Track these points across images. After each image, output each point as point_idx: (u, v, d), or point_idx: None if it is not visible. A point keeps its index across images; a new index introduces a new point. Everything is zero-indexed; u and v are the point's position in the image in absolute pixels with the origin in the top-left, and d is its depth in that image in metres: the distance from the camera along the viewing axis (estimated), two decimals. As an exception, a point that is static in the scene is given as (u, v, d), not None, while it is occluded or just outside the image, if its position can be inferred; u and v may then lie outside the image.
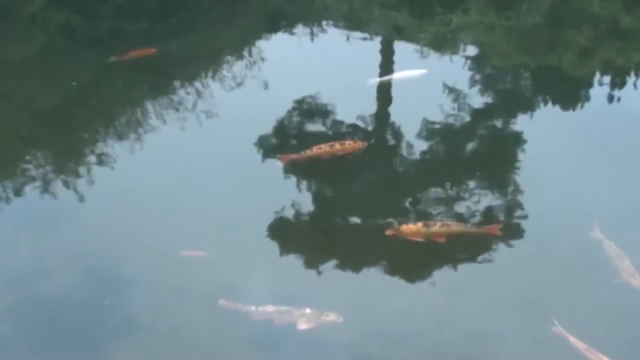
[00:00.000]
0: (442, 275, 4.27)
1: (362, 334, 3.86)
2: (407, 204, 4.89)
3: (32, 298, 4.07)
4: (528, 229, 4.56)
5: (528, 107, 6.20)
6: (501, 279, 4.20)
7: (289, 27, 7.85)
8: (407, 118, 5.82)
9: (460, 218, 4.61)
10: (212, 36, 7.66)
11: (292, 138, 5.70)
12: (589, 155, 5.28)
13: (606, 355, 3.61)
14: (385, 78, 6.43)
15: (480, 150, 5.57)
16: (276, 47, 7.35)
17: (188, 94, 6.36)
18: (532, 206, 4.76)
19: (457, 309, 4.01)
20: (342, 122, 5.80)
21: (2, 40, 7.21)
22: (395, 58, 7.04)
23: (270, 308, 3.86)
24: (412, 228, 4.35)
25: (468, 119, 5.92)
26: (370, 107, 6.08)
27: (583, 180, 5.04)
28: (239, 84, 6.55)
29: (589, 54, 7.15)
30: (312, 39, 7.56)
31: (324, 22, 7.90)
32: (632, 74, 6.82)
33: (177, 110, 6.08)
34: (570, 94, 6.47)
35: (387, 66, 6.82)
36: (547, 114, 6.07)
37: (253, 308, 3.88)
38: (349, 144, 5.19)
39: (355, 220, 4.77)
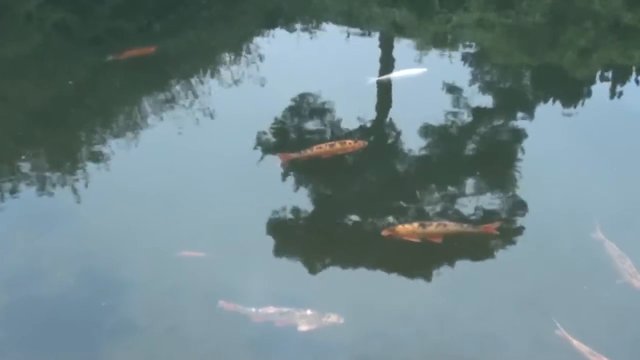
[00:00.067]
0: (444, 275, 4.25)
1: (364, 335, 3.84)
2: (407, 204, 4.86)
3: (28, 299, 4.04)
4: (529, 230, 4.54)
5: (528, 106, 6.19)
6: (502, 280, 4.19)
7: (287, 25, 7.83)
8: (407, 117, 5.80)
9: (460, 218, 4.59)
10: (210, 35, 7.63)
11: (291, 137, 5.67)
12: (589, 155, 5.26)
13: (609, 358, 3.58)
14: (385, 77, 6.41)
15: (480, 150, 5.55)
16: (275, 45, 7.33)
17: (186, 93, 6.33)
18: (532, 206, 4.74)
19: (459, 310, 3.99)
20: (341, 121, 5.78)
21: (-2, 39, 7.18)
22: (394, 56, 7.02)
23: (271, 309, 3.84)
24: (407, 228, 4.33)
25: (468, 118, 5.90)
26: (370, 106, 6.06)
27: (584, 180, 5.03)
28: (238, 83, 6.53)
29: (590, 52, 7.15)
30: (311, 38, 7.54)
31: (322, 21, 7.87)
32: (633, 72, 6.80)
33: (175, 109, 6.04)
34: (571, 93, 6.45)
35: (386, 65, 6.80)
36: (548, 113, 6.05)
37: (253, 310, 3.85)
38: (349, 143, 5.17)
39: (356, 220, 4.73)
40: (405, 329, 3.85)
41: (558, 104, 6.22)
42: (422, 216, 4.61)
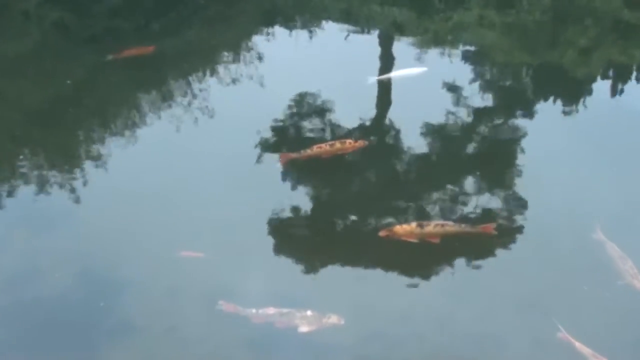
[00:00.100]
0: (444, 276, 4.24)
1: (365, 336, 3.81)
2: (407, 204, 4.84)
3: (26, 299, 4.01)
4: (529, 230, 4.52)
5: (529, 105, 6.18)
6: (503, 281, 4.17)
7: (286, 25, 7.82)
8: (407, 116, 5.79)
9: (460, 217, 4.57)
10: (209, 34, 7.60)
11: (291, 137, 5.65)
12: (590, 154, 5.25)
13: (611, 359, 3.57)
14: (385, 76, 6.39)
15: (480, 149, 5.54)
16: (274, 45, 7.32)
17: (185, 92, 6.30)
18: (533, 206, 4.72)
19: (460, 311, 3.97)
20: (341, 121, 5.75)
21: (-5, 38, 7.15)
22: (394, 56, 7.00)
23: (271, 310, 3.82)
24: (405, 229, 4.31)
25: (468, 117, 5.89)
26: (370, 105, 6.05)
27: (584, 180, 5.01)
28: (237, 83, 6.51)
29: (590, 51, 7.14)
30: (310, 37, 7.52)
31: (322, 20, 7.85)
32: (634, 71, 6.79)
33: (174, 109, 6.02)
34: (572, 92, 6.45)
35: (386, 64, 6.78)
36: (548, 112, 6.04)
37: (253, 310, 3.83)
38: (349, 143, 5.15)
39: (356, 220, 4.71)
40: (406, 330, 3.84)
41: (558, 103, 6.21)
42: (422, 216, 4.59)
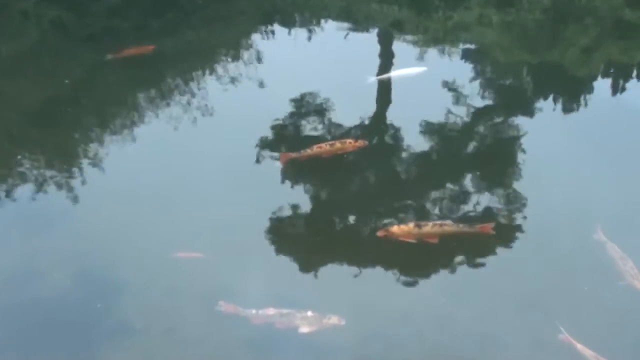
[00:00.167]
0: (445, 276, 4.22)
1: (365, 336, 3.80)
2: (407, 204, 4.83)
3: (23, 300, 3.99)
4: (529, 230, 4.50)
5: (529, 104, 6.16)
6: (503, 281, 4.15)
7: (286, 24, 7.80)
8: (407, 116, 5.77)
9: (459, 217, 4.55)
10: (208, 34, 7.59)
11: (291, 137, 5.63)
12: (591, 154, 5.23)
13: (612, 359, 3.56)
14: (385, 76, 6.37)
15: (480, 149, 5.53)
16: (274, 44, 7.32)
17: (184, 92, 6.28)
18: (533, 206, 4.70)
19: (461, 311, 3.95)
20: (341, 121, 5.74)
21: (-7, 37, 7.13)
22: (394, 55, 6.98)
23: (271, 311, 3.80)
24: (403, 229, 4.28)
25: (468, 117, 5.87)
26: (370, 105, 6.03)
27: (585, 180, 4.99)
28: (236, 82, 6.49)
29: (591, 50, 7.12)
30: (309, 37, 7.52)
31: (321, 19, 7.83)
32: (635, 71, 6.78)
33: (173, 108, 6.00)
34: (572, 91, 6.43)
35: (386, 63, 6.76)
36: (549, 111, 6.03)
37: (253, 311, 3.81)
38: (349, 143, 5.13)
39: (356, 220, 4.70)
40: (407, 330, 3.82)
41: (559, 102, 6.19)
42: (422, 215, 4.57)
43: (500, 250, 4.37)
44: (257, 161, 5.21)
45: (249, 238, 4.41)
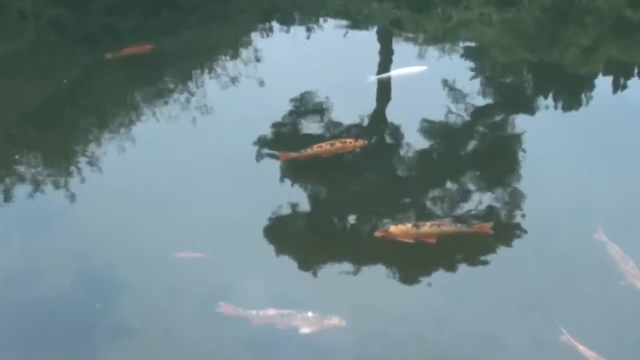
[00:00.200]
0: (446, 277, 4.20)
1: (366, 337, 3.78)
2: (408, 204, 4.82)
3: (21, 300, 3.97)
4: (530, 230, 4.49)
5: (529, 104, 6.16)
6: (504, 281, 4.14)
7: (285, 23, 7.77)
8: (407, 115, 5.75)
9: (458, 217, 4.54)
10: (207, 33, 7.56)
11: (290, 136, 5.61)
12: (591, 155, 5.22)
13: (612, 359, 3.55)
14: (385, 75, 6.36)
15: (480, 148, 5.51)
16: (273, 43, 7.29)
17: (184, 91, 6.26)
18: (533, 206, 4.69)
19: (462, 312, 3.94)
20: (341, 120, 5.72)
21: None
22: (394, 54, 6.97)
23: (271, 312, 3.78)
24: (401, 229, 4.27)
25: (468, 116, 5.86)
26: (370, 104, 6.01)
27: (586, 180, 4.98)
28: (236, 81, 6.47)
29: (592, 50, 7.11)
30: (309, 36, 7.50)
31: (320, 18, 7.81)
32: (636, 70, 6.77)
33: (172, 108, 5.98)
34: (573, 91, 6.43)
35: (386, 63, 6.75)
36: (549, 111, 6.02)
37: (254, 312, 3.79)
38: (349, 142, 5.12)
39: (357, 221, 4.68)
40: (408, 331, 3.81)
41: (559, 102, 6.18)
42: (423, 215, 4.56)
43: (500, 250, 4.36)
44: (257, 161, 5.19)
45: (248, 238, 4.39)
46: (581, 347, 3.62)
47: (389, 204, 4.81)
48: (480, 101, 6.12)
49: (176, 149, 5.33)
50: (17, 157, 5.29)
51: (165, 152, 5.32)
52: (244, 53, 7.02)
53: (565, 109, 6.11)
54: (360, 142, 5.15)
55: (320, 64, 6.57)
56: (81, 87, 6.31)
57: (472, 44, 7.31)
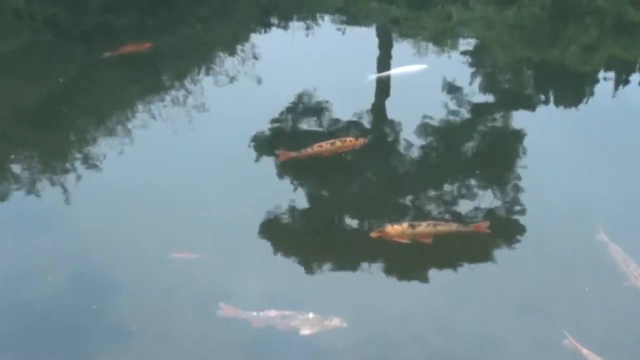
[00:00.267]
0: (447, 277, 4.19)
1: (367, 338, 3.76)
2: (408, 204, 4.79)
3: (18, 302, 3.94)
4: (530, 231, 4.47)
5: (530, 103, 6.14)
6: (504, 282, 4.13)
7: (284, 22, 7.75)
8: (406, 114, 5.73)
9: (457, 217, 4.52)
10: (205, 31, 7.53)
11: (289, 135, 5.58)
12: (592, 155, 5.21)
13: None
14: (384, 74, 6.33)
15: (480, 148, 5.49)
16: (271, 42, 7.27)
17: (181, 90, 6.22)
18: (534, 206, 4.68)
19: (463, 312, 3.92)
20: (340, 119, 5.69)
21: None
22: (393, 53, 6.94)
23: (272, 313, 3.76)
24: (397, 229, 4.23)
25: (468, 115, 5.85)
26: (370, 103, 5.99)
27: (587, 180, 4.97)
28: (234, 81, 6.44)
29: (593, 48, 7.08)
30: (307, 34, 7.47)
31: (318, 17, 7.78)
32: (637, 69, 6.76)
33: (170, 107, 5.94)
34: (573, 90, 6.42)
35: (385, 61, 6.72)
36: (549, 110, 6.01)
37: (254, 313, 3.77)
38: (349, 141, 5.09)
39: (357, 221, 4.65)
40: (408, 332, 3.80)
41: (560, 101, 6.17)
42: (422, 215, 4.53)
43: (501, 250, 4.34)
44: (257, 161, 5.16)
45: (248, 238, 4.37)
46: (585, 351, 3.60)
47: (389, 203, 4.79)
48: (480, 100, 6.10)
49: (174, 149, 5.31)
50: (12, 157, 5.25)
51: (164, 151, 5.29)
52: (243, 51, 6.98)
53: (566, 107, 6.09)
54: (361, 141, 5.12)
55: (320, 63, 6.55)
56: (78, 86, 6.27)
57: (472, 43, 7.28)
